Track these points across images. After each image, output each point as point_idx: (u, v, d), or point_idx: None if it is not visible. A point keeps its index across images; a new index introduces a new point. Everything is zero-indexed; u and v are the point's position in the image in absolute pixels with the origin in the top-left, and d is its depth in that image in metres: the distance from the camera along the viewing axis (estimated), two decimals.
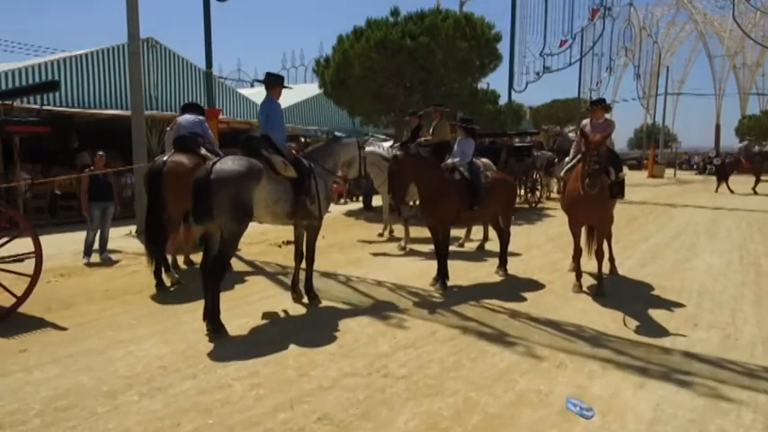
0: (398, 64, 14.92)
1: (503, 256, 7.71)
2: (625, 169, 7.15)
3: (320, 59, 17.04)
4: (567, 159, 7.42)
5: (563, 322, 5.57)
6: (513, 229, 12.65)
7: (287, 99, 25.81)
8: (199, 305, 5.56)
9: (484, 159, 10.14)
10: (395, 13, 15.51)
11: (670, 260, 8.88)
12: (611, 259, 7.89)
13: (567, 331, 5.31)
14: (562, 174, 7.09)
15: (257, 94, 28.10)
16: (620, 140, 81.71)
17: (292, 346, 4.78)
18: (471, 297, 6.48)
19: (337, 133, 9.87)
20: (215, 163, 5.03)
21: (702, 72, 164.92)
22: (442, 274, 6.91)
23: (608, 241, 7.82)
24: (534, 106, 52.08)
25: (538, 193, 17.65)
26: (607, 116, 7.02)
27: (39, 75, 16.05)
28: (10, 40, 76.53)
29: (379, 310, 5.94)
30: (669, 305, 6.27)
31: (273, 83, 5.93)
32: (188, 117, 7.72)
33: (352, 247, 9.92)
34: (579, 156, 6.51)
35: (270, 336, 5.12)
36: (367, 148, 10.15)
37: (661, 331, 5.36)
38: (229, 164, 5.04)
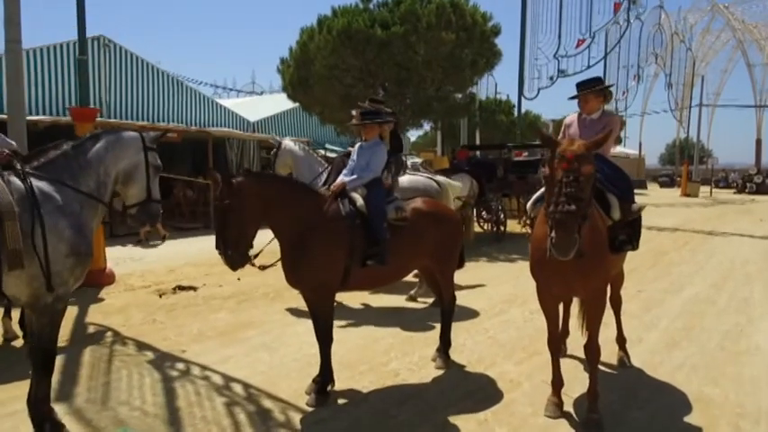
0: (368, 60, 12.19)
1: (443, 335, 4.82)
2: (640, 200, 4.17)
3: (285, 58, 14.42)
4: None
5: None
6: (497, 271, 9.48)
7: (270, 109, 23.41)
8: None
9: (418, 178, 7.22)
10: None
11: (714, 333, 5.86)
12: (620, 340, 4.93)
13: None
14: (528, 206, 4.17)
15: (241, 104, 25.72)
16: (652, 156, 77.68)
17: None
18: (356, 429, 3.63)
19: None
20: None
21: (741, 82, 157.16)
22: (324, 375, 4.08)
23: (615, 311, 4.90)
24: (557, 119, 48.79)
25: None
26: (607, 108, 4.14)
27: None
28: None
29: None
30: None
31: None
32: None
33: (266, 299, 7.12)
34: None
35: None
36: (287, 143, 7.37)
37: None
38: None
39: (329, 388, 4.07)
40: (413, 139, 39.12)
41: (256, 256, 3.96)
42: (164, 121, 17.50)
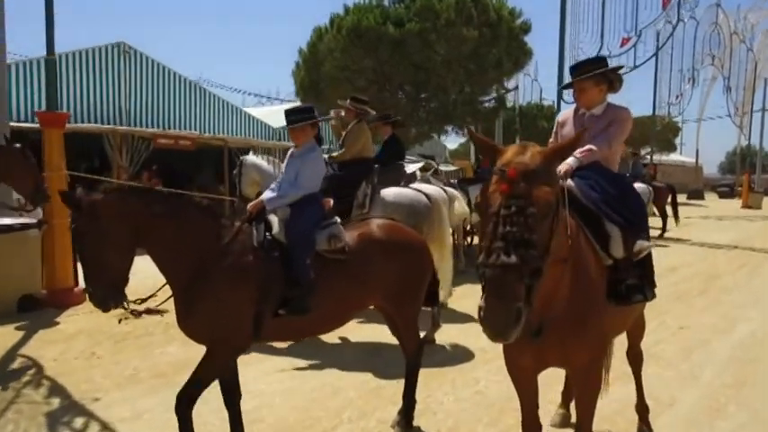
0: (382, 60, 11.25)
1: (407, 395, 3.75)
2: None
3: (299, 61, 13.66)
4: None
5: None
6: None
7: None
8: None
9: (406, 191, 6.08)
10: None
11: None
12: (641, 408, 3.74)
13: None
14: None
15: (277, 112, 25.21)
16: (710, 164, 73.56)
17: None
18: None
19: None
20: None
21: None
22: None
23: (635, 371, 3.74)
24: None
25: None
26: (611, 100, 3.02)
27: None
28: None
29: None
30: None
31: None
32: None
33: None
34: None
35: None
36: (249, 158, 6.49)
37: None
38: None
39: None
40: (453, 146, 37.90)
41: (147, 299, 3.09)
42: (183, 128, 17.06)
